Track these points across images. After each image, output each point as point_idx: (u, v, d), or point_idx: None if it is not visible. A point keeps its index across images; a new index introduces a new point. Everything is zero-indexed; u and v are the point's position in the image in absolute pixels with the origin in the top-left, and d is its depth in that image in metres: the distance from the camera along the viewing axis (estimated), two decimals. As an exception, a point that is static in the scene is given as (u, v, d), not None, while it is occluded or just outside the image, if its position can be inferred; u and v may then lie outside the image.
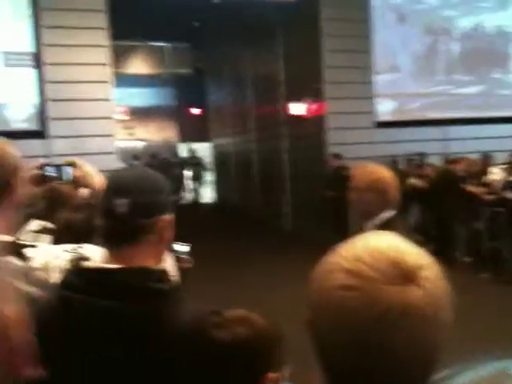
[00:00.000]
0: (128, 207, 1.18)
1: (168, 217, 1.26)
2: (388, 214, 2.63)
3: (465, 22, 11.10)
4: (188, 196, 18.15)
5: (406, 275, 0.70)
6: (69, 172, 1.78)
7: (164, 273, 1.22)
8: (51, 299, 1.22)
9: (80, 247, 1.51)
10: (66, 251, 1.48)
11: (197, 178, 18.29)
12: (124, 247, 1.20)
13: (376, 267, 0.71)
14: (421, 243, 2.62)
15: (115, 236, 1.21)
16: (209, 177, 19.46)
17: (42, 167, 1.78)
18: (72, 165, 1.80)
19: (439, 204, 8.57)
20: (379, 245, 0.74)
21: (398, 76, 10.68)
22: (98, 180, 1.77)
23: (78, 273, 1.22)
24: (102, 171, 5.93)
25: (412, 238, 2.47)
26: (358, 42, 10.10)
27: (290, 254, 8.88)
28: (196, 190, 18.38)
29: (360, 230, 2.72)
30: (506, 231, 7.76)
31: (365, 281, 0.70)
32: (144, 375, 1.15)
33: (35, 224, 2.01)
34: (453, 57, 11.07)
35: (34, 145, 8.14)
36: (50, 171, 1.78)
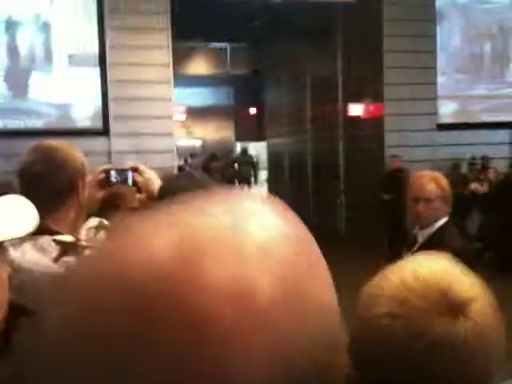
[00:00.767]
0: None
1: None
2: (441, 222, 2.64)
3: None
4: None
5: (455, 307, 0.68)
6: (132, 177, 1.81)
7: None
8: None
9: None
10: None
11: (249, 177, 18.32)
12: None
13: (424, 297, 0.68)
14: (475, 251, 2.55)
15: None
16: (263, 176, 19.53)
17: (106, 172, 1.81)
18: (135, 170, 1.83)
19: (501, 211, 8.24)
20: (429, 272, 0.71)
21: (463, 77, 10.35)
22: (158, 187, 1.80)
23: None
24: (161, 168, 6.04)
25: (465, 246, 2.41)
26: (420, 42, 9.84)
27: (344, 257, 8.78)
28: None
29: (414, 238, 2.70)
30: None
31: (412, 310, 0.68)
32: None
33: (94, 221, 2.06)
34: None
35: (97, 142, 8.43)
36: (114, 176, 1.81)
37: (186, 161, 17.13)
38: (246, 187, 14.51)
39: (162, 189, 1.30)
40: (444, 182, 2.66)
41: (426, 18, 9.87)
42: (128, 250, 0.31)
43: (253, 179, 15.10)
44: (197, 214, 0.33)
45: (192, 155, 18.76)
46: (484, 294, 0.72)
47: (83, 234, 1.98)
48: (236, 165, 18.03)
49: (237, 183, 17.61)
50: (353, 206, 11.54)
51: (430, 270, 0.72)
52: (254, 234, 0.32)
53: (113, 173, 1.81)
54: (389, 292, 0.70)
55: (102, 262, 0.32)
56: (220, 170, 11.39)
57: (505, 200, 8.30)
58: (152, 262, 0.30)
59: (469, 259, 2.59)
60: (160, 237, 0.31)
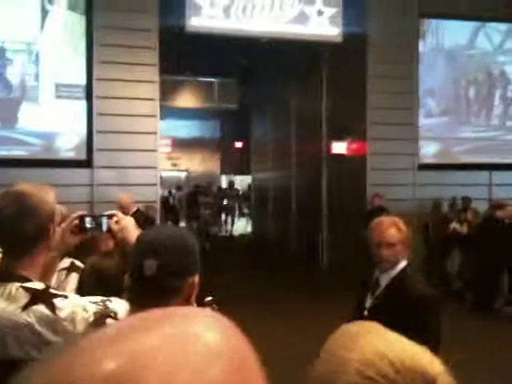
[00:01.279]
0: (156, 269, 1.20)
1: (195, 278, 1.29)
2: (402, 265, 2.73)
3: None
4: (224, 228, 18.17)
5: None
6: (107, 224, 1.82)
7: None
8: None
9: (108, 300, 1.53)
10: (94, 303, 1.50)
11: (235, 211, 18.35)
12: (149, 309, 1.20)
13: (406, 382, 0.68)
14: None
15: (142, 297, 1.22)
16: (246, 209, 19.57)
17: (81, 218, 1.83)
18: (111, 217, 1.84)
19: (479, 251, 8.32)
20: (399, 357, 0.70)
21: (443, 119, 10.58)
22: (135, 235, 1.81)
23: None
24: (144, 202, 6.04)
25: (429, 289, 2.44)
26: (403, 84, 10.08)
27: (326, 292, 8.77)
28: (233, 223, 18.41)
29: (377, 281, 2.77)
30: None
31: None
32: None
33: (66, 262, 2.06)
34: (502, 102, 10.88)
35: (80, 174, 8.42)
36: (89, 222, 1.82)
37: (170, 192, 17.13)
38: (229, 226, 14.53)
39: (140, 239, 1.30)
40: (403, 226, 2.75)
41: (409, 60, 10.13)
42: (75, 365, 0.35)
43: (237, 212, 15.20)
44: (140, 333, 0.37)
45: (178, 188, 18.78)
46: (444, 366, 0.72)
47: (54, 275, 1.98)
48: (225, 200, 18.15)
49: (223, 215, 17.59)
50: (335, 242, 11.57)
51: (400, 354, 0.70)
52: (189, 357, 0.35)
53: (87, 219, 1.83)
54: (365, 376, 0.68)
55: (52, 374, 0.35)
56: (209, 205, 11.45)
57: (482, 241, 8.40)
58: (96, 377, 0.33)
59: (435, 302, 2.65)
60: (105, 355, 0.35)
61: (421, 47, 10.40)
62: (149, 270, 1.19)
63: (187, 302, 1.28)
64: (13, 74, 8.31)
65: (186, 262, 1.26)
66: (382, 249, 2.67)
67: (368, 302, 2.74)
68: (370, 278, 2.85)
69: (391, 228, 2.69)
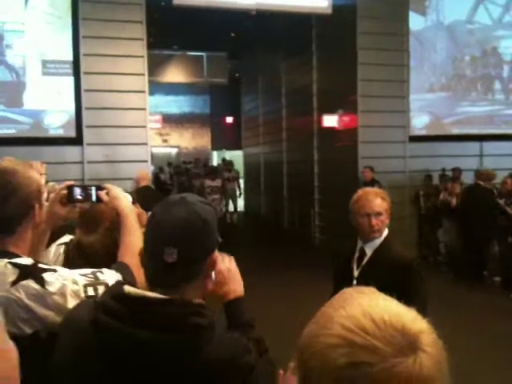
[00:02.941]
0: (177, 256, 1.17)
1: (215, 255, 1.27)
2: (385, 234, 2.83)
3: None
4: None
5: (412, 343, 0.69)
6: (96, 194, 1.81)
7: (204, 307, 1.22)
8: (87, 324, 1.19)
9: (99, 271, 1.53)
10: (84, 275, 1.50)
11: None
12: (171, 291, 1.20)
13: (386, 340, 0.68)
14: (419, 260, 2.61)
15: (163, 283, 1.21)
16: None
17: (69, 188, 1.81)
18: (100, 188, 1.83)
19: (467, 222, 8.42)
20: (381, 313, 0.71)
21: (436, 91, 10.54)
22: (126, 205, 1.79)
23: (118, 298, 1.19)
24: (136, 178, 5.96)
25: (410, 255, 2.51)
26: (394, 56, 10.01)
27: (315, 267, 8.83)
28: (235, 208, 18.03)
29: (361, 251, 2.84)
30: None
31: (379, 356, 0.67)
32: None
33: (66, 238, 2.05)
34: (496, 76, 10.83)
35: (70, 151, 8.36)
36: (78, 192, 1.81)
37: (161, 169, 17.05)
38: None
39: (157, 223, 1.24)
40: (387, 196, 2.84)
41: (399, 32, 10.04)
42: None
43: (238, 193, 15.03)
44: None
45: (169, 164, 18.68)
46: (428, 325, 0.73)
47: (53, 248, 1.97)
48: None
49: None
50: (326, 216, 11.62)
51: (382, 311, 0.71)
52: None
53: (76, 189, 1.81)
54: (349, 340, 0.68)
55: None
56: (217, 189, 11.28)
57: (463, 212, 8.52)
58: None
59: (419, 267, 2.72)
60: None
61: (421, 22, 10.31)
62: (170, 257, 1.17)
63: (207, 279, 1.28)
64: (-3, 52, 8.17)
65: (206, 244, 1.24)
66: (372, 218, 2.74)
67: (356, 272, 2.80)
68: (349, 250, 2.91)
69: (377, 198, 2.78)
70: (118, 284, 1.28)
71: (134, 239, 1.64)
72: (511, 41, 10.85)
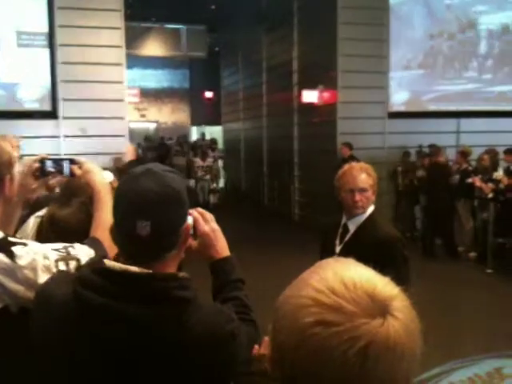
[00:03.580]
0: (151, 229, 1.15)
1: (187, 224, 1.25)
2: (370, 210, 2.78)
3: (493, 19, 10.84)
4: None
5: (382, 307, 0.70)
6: (69, 168, 1.78)
7: (188, 280, 1.21)
8: (64, 298, 1.17)
9: (71, 246, 1.51)
10: (56, 250, 1.48)
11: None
12: (147, 265, 1.18)
13: (354, 301, 0.69)
14: (404, 240, 2.59)
15: (138, 257, 1.18)
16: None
17: (41, 161, 1.78)
18: (73, 161, 1.80)
19: (431, 197, 8.64)
20: (352, 277, 0.72)
21: (414, 68, 10.54)
22: (99, 179, 1.76)
23: (99, 272, 1.16)
24: (113, 154, 5.95)
25: (395, 230, 2.51)
26: (374, 31, 9.96)
27: (295, 242, 8.90)
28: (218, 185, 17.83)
29: (345, 228, 2.81)
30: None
31: (344, 315, 0.68)
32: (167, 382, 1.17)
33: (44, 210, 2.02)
34: (474, 53, 10.85)
35: (46, 125, 8.20)
36: (50, 165, 1.78)
37: (138, 145, 16.86)
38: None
39: (126, 194, 1.20)
40: (373, 172, 2.79)
41: (380, 6, 9.98)
42: None
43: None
44: None
45: (146, 138, 18.46)
46: (400, 291, 0.74)
47: (31, 220, 1.95)
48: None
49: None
50: (306, 192, 11.67)
51: (354, 275, 0.73)
52: None
53: (48, 162, 1.78)
54: (317, 300, 0.70)
55: None
56: (208, 169, 11.31)
57: (427, 188, 8.74)
58: None
59: (403, 244, 2.72)
60: None
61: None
62: (142, 230, 1.15)
63: (182, 249, 1.26)
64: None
65: (179, 214, 1.22)
66: (356, 194, 2.70)
67: (338, 248, 2.78)
68: (334, 225, 2.88)
69: (362, 173, 2.73)
70: (98, 258, 1.26)
71: (106, 214, 1.61)
72: (490, 16, 10.86)
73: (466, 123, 10.54)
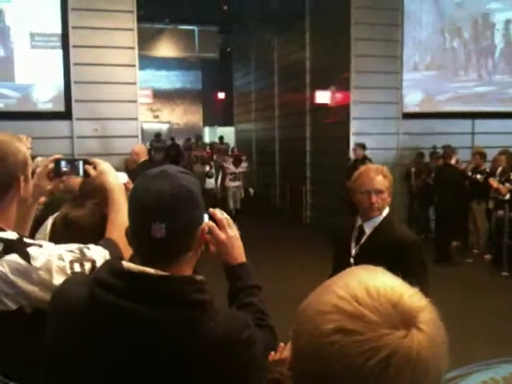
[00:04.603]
0: (166, 231, 1.14)
1: (203, 226, 1.24)
2: (385, 212, 2.74)
3: (506, 17, 10.69)
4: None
5: (407, 319, 0.67)
6: (83, 168, 1.78)
7: (204, 283, 1.20)
8: (84, 299, 1.16)
9: (86, 247, 1.50)
10: (70, 251, 1.46)
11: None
12: (162, 267, 1.17)
13: (378, 311, 0.67)
14: (420, 241, 2.54)
15: (153, 259, 1.17)
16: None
17: (56, 162, 1.77)
18: (87, 162, 1.79)
19: (440, 199, 8.56)
20: (378, 285, 0.70)
21: (427, 68, 10.46)
22: (114, 180, 1.75)
23: (117, 274, 1.16)
24: (125, 154, 5.95)
25: (411, 233, 2.47)
26: (388, 31, 9.90)
27: (308, 244, 8.86)
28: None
29: (360, 230, 2.76)
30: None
31: (365, 324, 0.66)
32: None
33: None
34: (488, 53, 10.73)
35: (59, 126, 8.25)
36: (65, 166, 1.77)
37: (151, 144, 16.88)
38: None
39: (141, 196, 1.18)
40: (389, 174, 2.76)
41: (393, 7, 9.92)
42: None
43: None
44: None
45: (157, 136, 18.42)
46: (428, 303, 0.71)
47: (49, 221, 1.94)
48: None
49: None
50: (318, 194, 11.62)
51: (379, 283, 0.71)
52: None
53: (63, 163, 1.78)
54: (339, 307, 0.68)
55: None
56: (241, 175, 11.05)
57: (436, 190, 8.65)
58: None
59: (419, 247, 2.66)
60: None
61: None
62: (158, 232, 1.13)
63: (197, 251, 1.25)
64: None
65: (194, 216, 1.20)
66: (372, 196, 2.66)
67: (353, 250, 2.73)
68: (348, 228, 2.84)
69: (379, 175, 2.69)
70: (116, 259, 1.24)
71: (121, 215, 1.60)
72: (505, 14, 10.73)
73: (481, 124, 10.43)
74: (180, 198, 1.17)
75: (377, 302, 0.67)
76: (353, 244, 2.75)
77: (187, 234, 1.19)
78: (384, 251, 2.49)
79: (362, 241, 2.73)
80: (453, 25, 10.49)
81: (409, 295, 0.70)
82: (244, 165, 11.31)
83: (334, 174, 10.19)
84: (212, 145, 16.47)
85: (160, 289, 1.14)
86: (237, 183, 11.00)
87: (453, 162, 8.53)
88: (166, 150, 16.83)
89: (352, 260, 2.68)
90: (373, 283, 0.70)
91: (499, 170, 8.27)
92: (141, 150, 7.58)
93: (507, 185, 7.78)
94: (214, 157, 14.02)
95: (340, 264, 2.63)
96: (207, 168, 12.69)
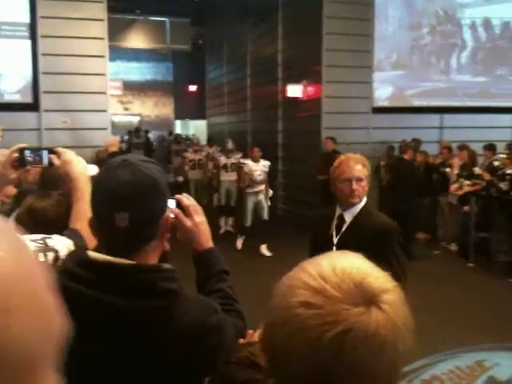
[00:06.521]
0: (129, 221, 1.13)
1: (167, 214, 1.24)
2: (364, 201, 2.80)
3: (474, 14, 10.89)
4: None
5: (368, 298, 0.69)
6: (48, 157, 1.75)
7: (172, 271, 1.21)
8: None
9: (49, 238, 1.48)
10: (34, 241, 1.45)
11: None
12: (128, 256, 1.17)
13: (340, 287, 0.69)
14: (399, 229, 2.56)
15: (118, 249, 1.17)
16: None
17: (20, 151, 1.74)
18: (52, 151, 1.76)
19: (395, 194, 8.62)
20: (344, 265, 0.73)
21: (398, 63, 10.58)
22: (78, 169, 1.73)
23: (84, 264, 1.16)
24: (95, 146, 5.88)
25: (392, 222, 2.50)
26: (359, 26, 9.97)
27: (280, 236, 8.89)
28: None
29: (340, 219, 2.79)
30: (495, 221, 7.80)
31: (327, 299, 0.68)
32: (156, 375, 1.16)
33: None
34: (457, 48, 10.91)
35: (27, 118, 8.08)
36: (29, 155, 1.74)
37: (129, 140, 16.64)
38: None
39: (104, 186, 1.18)
40: (367, 163, 2.81)
41: (365, 1, 9.98)
42: None
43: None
44: None
45: (136, 130, 18.18)
46: (395, 287, 0.73)
47: (15, 214, 1.91)
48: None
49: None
50: (290, 186, 11.67)
51: (346, 264, 0.73)
52: None
53: (27, 152, 1.75)
54: (305, 283, 0.71)
55: None
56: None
57: (395, 186, 8.77)
58: None
59: (399, 232, 2.72)
60: None
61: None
62: (121, 222, 1.13)
63: (162, 239, 1.25)
64: None
65: (157, 204, 1.20)
66: (353, 183, 2.70)
67: (335, 239, 2.76)
68: (325, 217, 2.86)
69: (358, 164, 2.74)
70: (81, 249, 1.24)
71: (86, 206, 1.58)
72: (473, 9, 10.91)
73: (449, 119, 10.62)
74: (142, 187, 1.16)
75: (340, 280, 0.70)
76: (334, 233, 2.78)
77: (151, 223, 1.19)
78: (366, 237, 2.56)
79: (343, 229, 2.76)
80: (421, 20, 10.63)
81: (375, 277, 0.72)
82: (237, 155, 9.81)
83: (306, 167, 10.25)
84: (210, 140, 13.75)
85: (128, 279, 1.14)
86: (231, 176, 9.65)
87: (406, 156, 8.62)
88: (144, 146, 16.52)
89: (334, 248, 2.70)
90: (341, 263, 0.73)
91: (458, 162, 8.42)
92: (113, 142, 7.54)
93: (467, 182, 7.95)
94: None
95: (321, 252, 2.63)
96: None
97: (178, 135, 16.76)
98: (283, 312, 0.71)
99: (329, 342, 0.66)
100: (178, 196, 1.42)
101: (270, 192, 8.77)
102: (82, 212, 1.58)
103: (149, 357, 1.14)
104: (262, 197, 8.55)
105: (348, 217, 2.77)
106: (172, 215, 1.34)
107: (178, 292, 1.19)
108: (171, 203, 1.37)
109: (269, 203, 8.74)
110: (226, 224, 9.84)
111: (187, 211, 1.42)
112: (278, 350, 0.72)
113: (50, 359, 0.49)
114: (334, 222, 2.80)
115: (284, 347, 0.70)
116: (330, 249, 2.65)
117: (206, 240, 1.45)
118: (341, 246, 2.68)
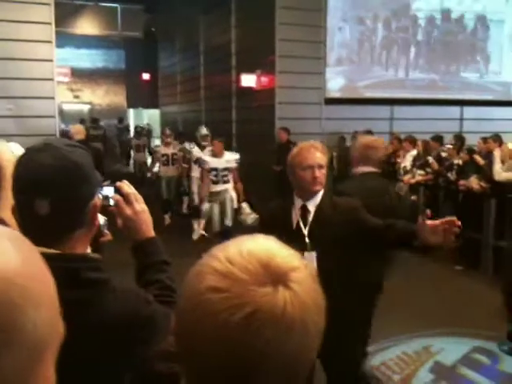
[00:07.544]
0: (50, 207, 1.08)
1: (95, 201, 1.18)
2: (322, 190, 2.74)
3: (426, 7, 11.11)
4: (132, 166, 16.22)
5: (276, 277, 0.68)
6: None
7: (99, 261, 1.17)
8: None
9: None
10: None
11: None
12: (51, 245, 1.11)
13: (245, 268, 0.68)
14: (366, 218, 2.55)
15: (40, 237, 1.09)
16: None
17: None
18: None
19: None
20: (252, 247, 0.72)
21: (350, 54, 10.70)
22: (5, 157, 1.65)
23: None
24: (42, 135, 5.68)
25: (352, 200, 2.50)
26: (312, 17, 10.01)
27: (232, 227, 8.87)
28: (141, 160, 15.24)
29: (304, 209, 2.73)
30: (441, 211, 8.02)
31: (233, 282, 0.67)
32: (81, 369, 1.11)
33: None
34: (408, 41, 11.11)
35: (-32, 105, 7.75)
36: None
37: (86, 128, 16.13)
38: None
39: (23, 170, 1.12)
40: (325, 150, 2.83)
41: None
42: None
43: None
44: None
45: (93, 121, 17.69)
46: (304, 266, 0.72)
47: None
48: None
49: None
50: (243, 176, 11.65)
51: (253, 245, 0.72)
52: None
53: None
54: (214, 267, 0.70)
55: None
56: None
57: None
58: None
59: (363, 207, 2.71)
60: None
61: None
62: (41, 209, 1.08)
63: (90, 229, 1.20)
64: None
65: (81, 191, 1.15)
66: (315, 170, 2.65)
67: (305, 230, 2.67)
68: (282, 208, 2.81)
69: (318, 151, 2.70)
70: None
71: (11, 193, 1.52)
72: (424, 2, 11.12)
73: (399, 110, 10.84)
74: (64, 172, 1.11)
75: (246, 261, 0.69)
76: (301, 225, 2.69)
77: (75, 210, 1.14)
78: (336, 221, 2.57)
79: (310, 219, 2.69)
80: (375, 13, 10.77)
81: (283, 256, 0.71)
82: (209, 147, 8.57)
83: (260, 157, 10.25)
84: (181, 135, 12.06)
85: (53, 268, 1.09)
86: (171, 170, 9.10)
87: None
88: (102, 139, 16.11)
89: (307, 239, 2.64)
90: (248, 246, 0.72)
91: (410, 153, 8.60)
92: (79, 130, 7.45)
93: (420, 172, 8.14)
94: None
95: (294, 244, 2.56)
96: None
97: (138, 127, 15.95)
98: (192, 298, 0.70)
99: (235, 325, 0.65)
100: (118, 183, 1.37)
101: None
102: (9, 200, 1.51)
103: (68, 349, 1.10)
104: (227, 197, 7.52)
105: (311, 206, 2.70)
106: (112, 202, 1.30)
107: (104, 282, 1.14)
108: (110, 191, 1.32)
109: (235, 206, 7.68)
110: (198, 226, 8.78)
111: (127, 199, 1.37)
112: (186, 337, 0.70)
113: (54, 350, 0.57)
114: (298, 213, 2.72)
115: (192, 334, 0.69)
116: (303, 241, 2.60)
117: (147, 229, 1.40)
118: (313, 235, 2.64)
